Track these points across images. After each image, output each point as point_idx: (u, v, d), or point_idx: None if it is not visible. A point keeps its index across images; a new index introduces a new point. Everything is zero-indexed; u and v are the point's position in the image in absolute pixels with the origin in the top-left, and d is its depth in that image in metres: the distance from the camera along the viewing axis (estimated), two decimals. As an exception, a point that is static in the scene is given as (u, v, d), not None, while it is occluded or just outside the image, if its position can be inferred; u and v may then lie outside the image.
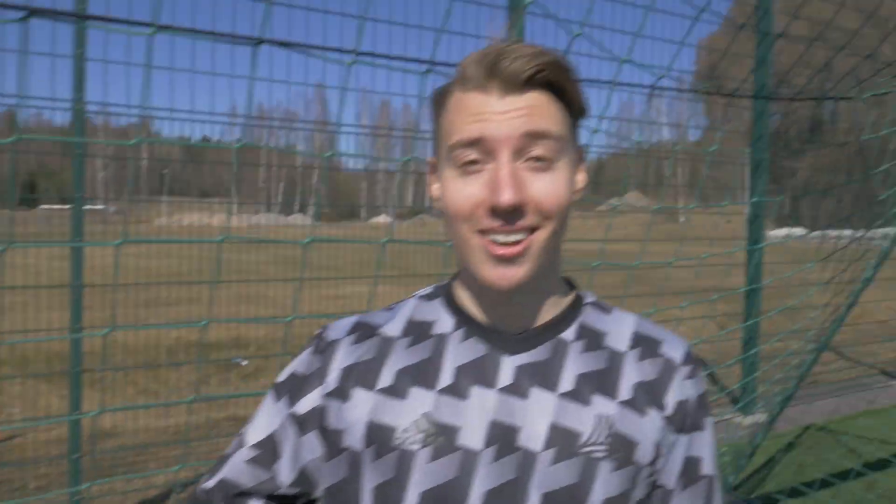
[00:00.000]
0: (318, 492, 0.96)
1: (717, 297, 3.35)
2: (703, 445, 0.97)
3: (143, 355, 6.31)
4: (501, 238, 0.84)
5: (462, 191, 0.85)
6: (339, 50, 2.95)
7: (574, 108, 0.90)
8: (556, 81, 0.86)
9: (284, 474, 0.96)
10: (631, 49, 2.31)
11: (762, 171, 5.64)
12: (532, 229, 0.85)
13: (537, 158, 0.85)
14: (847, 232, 3.81)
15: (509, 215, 0.84)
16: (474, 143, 0.85)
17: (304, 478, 0.96)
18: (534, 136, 0.84)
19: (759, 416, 4.19)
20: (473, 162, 0.85)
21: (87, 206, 4.52)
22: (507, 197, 0.82)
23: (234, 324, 6.50)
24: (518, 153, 0.85)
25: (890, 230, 3.45)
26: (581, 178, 0.94)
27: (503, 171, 0.83)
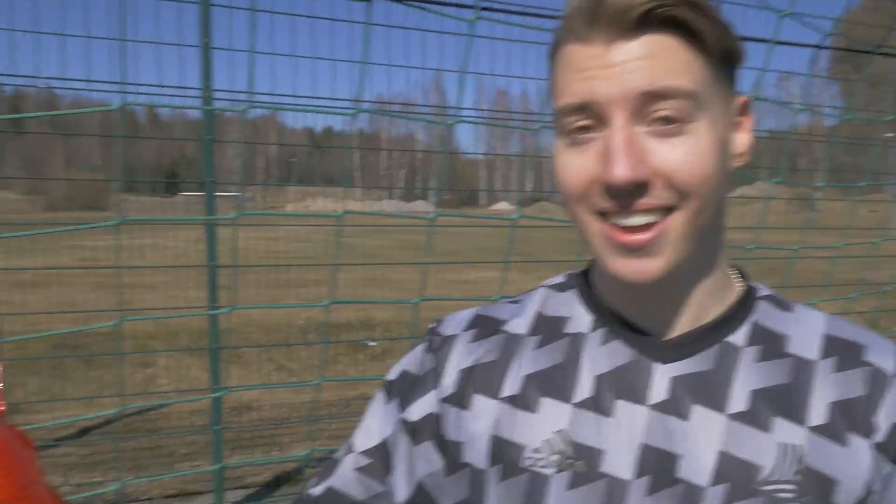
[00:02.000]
0: None
1: (890, 288, 3.11)
2: None
3: (278, 333, 6.64)
4: (625, 222, 0.67)
5: (571, 165, 0.69)
6: (460, 5, 2.91)
7: (718, 51, 0.68)
8: (686, 18, 0.65)
9: (400, 489, 0.83)
10: (792, 4, 2.16)
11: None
12: (666, 210, 0.67)
13: (664, 120, 0.66)
14: None
15: (629, 194, 0.66)
16: (581, 107, 0.67)
17: (421, 494, 0.82)
18: (656, 95, 0.65)
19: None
20: (584, 129, 0.68)
21: (222, 193, 4.78)
22: (620, 171, 0.64)
23: (363, 306, 6.72)
24: (638, 116, 0.66)
25: None
26: (744, 140, 0.73)
27: (616, 140, 0.65)
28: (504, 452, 0.74)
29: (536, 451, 0.72)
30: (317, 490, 0.87)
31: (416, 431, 0.80)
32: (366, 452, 0.85)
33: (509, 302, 0.86)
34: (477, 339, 0.81)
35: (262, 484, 4.22)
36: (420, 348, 0.84)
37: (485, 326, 0.82)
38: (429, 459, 0.80)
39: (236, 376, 5.84)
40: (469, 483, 0.77)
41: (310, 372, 5.83)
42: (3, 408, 0.54)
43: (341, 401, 5.59)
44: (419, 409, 0.80)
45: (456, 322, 0.84)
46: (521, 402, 0.75)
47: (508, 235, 2.35)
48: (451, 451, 0.78)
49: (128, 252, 5.48)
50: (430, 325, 0.87)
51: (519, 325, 0.81)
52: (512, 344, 0.79)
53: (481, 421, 0.76)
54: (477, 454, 0.76)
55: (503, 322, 0.82)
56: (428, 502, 0.81)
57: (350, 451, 0.86)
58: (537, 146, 2.89)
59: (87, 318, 5.09)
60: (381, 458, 0.84)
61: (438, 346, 0.82)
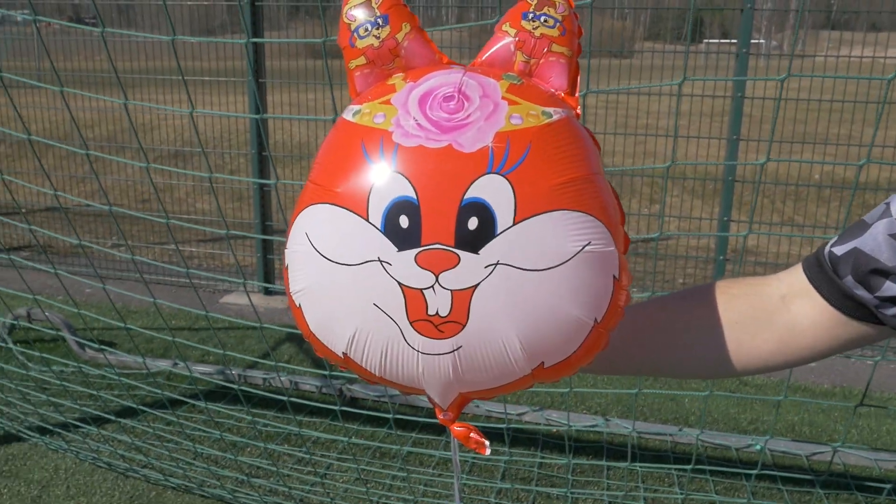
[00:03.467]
0: None
1: None
2: None
3: (789, 186, 6.39)
4: None
5: None
6: None
7: None
8: None
9: None
10: None
11: None
12: None
13: None
14: None
15: None
16: None
17: None
18: None
19: None
20: None
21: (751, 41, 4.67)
22: None
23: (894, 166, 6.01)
24: None
25: None
26: None
27: None
28: None
29: None
30: (839, 249, 0.83)
31: None
32: None
33: None
34: None
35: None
36: None
37: None
38: None
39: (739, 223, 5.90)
40: None
41: (819, 229, 5.55)
42: (579, 111, 0.74)
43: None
44: None
45: None
46: None
47: None
48: None
49: (645, 97, 5.81)
50: None
51: None
52: None
53: None
54: None
55: None
56: None
57: (884, 216, 0.80)
58: None
59: (610, 154, 5.61)
60: None
61: None
